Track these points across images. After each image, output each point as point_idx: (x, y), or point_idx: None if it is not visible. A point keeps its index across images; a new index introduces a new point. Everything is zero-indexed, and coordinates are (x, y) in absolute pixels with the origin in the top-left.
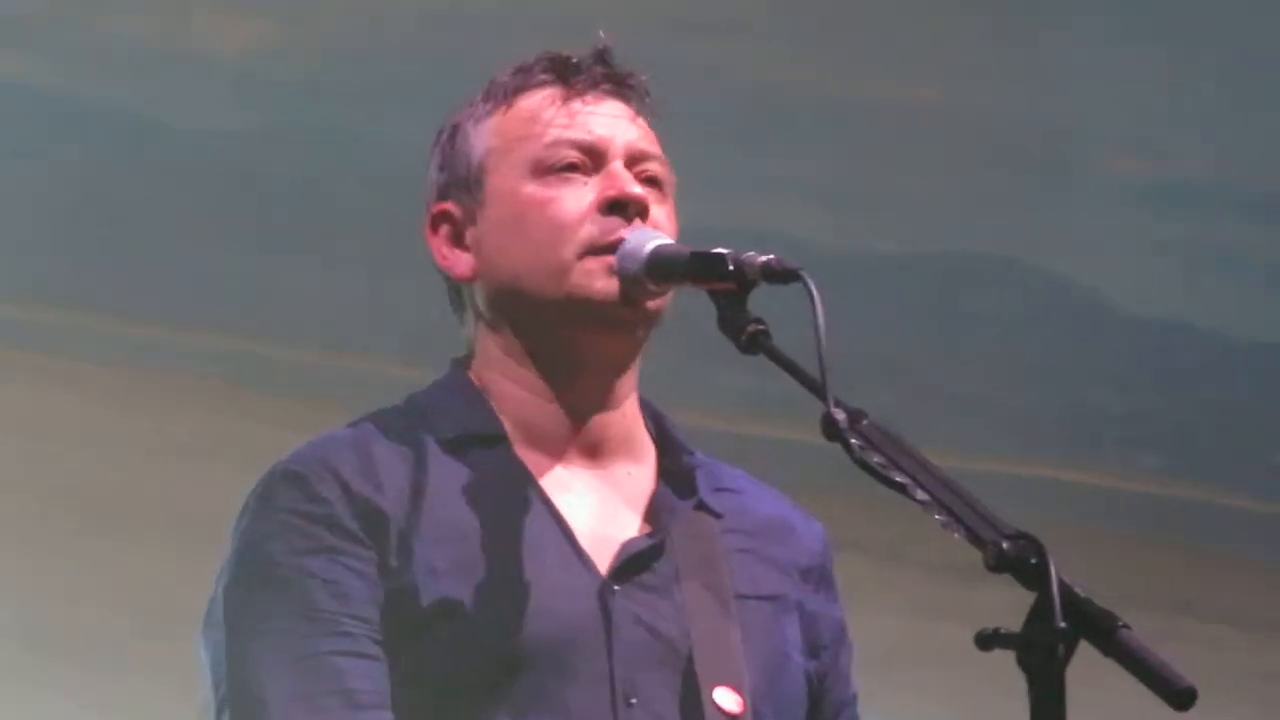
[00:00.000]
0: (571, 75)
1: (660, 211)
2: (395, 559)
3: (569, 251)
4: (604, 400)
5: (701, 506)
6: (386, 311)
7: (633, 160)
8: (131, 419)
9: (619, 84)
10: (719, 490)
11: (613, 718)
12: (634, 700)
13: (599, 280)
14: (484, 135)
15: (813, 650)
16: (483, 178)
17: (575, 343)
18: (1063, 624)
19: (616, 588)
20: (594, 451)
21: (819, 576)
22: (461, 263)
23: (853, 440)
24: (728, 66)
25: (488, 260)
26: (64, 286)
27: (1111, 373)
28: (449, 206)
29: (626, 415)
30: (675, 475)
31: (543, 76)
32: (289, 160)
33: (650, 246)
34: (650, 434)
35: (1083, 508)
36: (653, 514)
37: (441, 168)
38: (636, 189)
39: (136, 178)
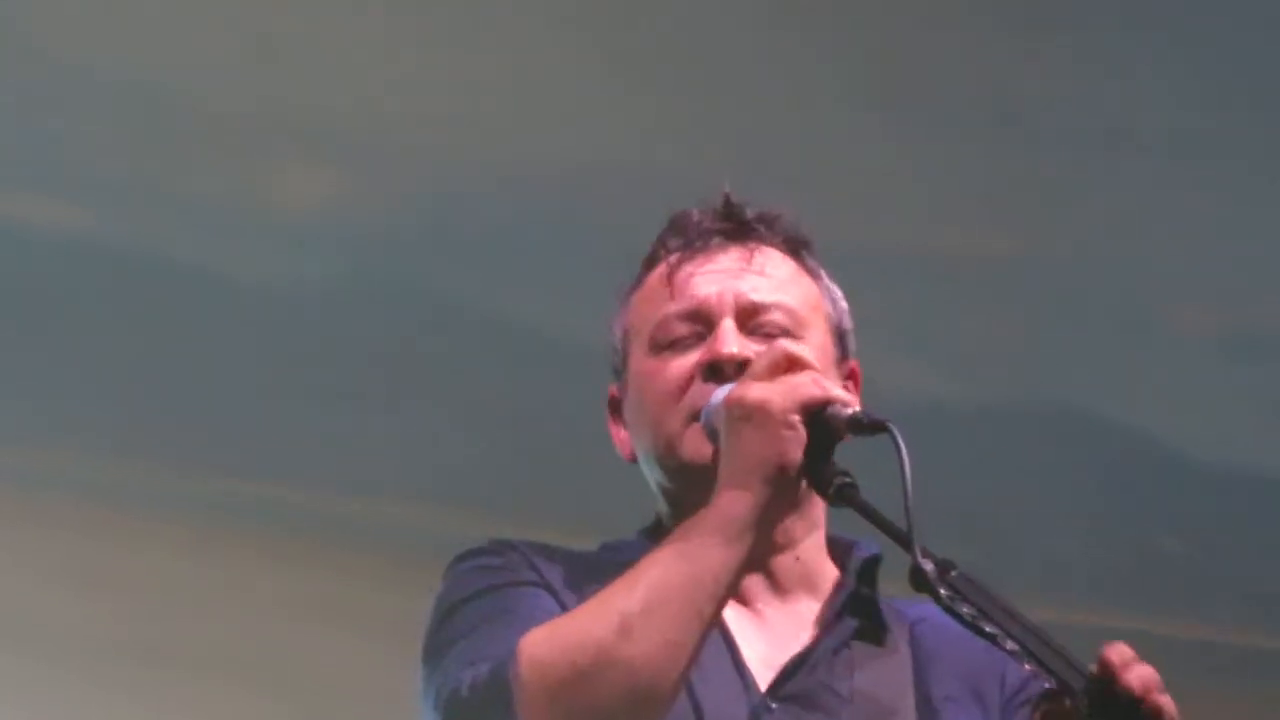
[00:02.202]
0: (690, 236)
1: None
2: None
3: (676, 422)
4: (769, 547)
5: (872, 628)
6: (474, 468)
7: (747, 314)
8: (210, 574)
9: (737, 231)
10: (897, 619)
11: None
12: None
13: (697, 444)
14: (624, 315)
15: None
16: (626, 359)
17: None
18: None
19: (774, 705)
20: (776, 589)
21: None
22: (624, 442)
23: (942, 590)
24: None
25: (634, 439)
26: (139, 442)
27: (1186, 523)
28: (614, 389)
29: (802, 557)
30: (853, 604)
31: (671, 243)
32: (362, 316)
33: None
34: (838, 566)
35: (1161, 657)
36: (823, 636)
37: (613, 349)
38: (729, 348)
39: (206, 333)
